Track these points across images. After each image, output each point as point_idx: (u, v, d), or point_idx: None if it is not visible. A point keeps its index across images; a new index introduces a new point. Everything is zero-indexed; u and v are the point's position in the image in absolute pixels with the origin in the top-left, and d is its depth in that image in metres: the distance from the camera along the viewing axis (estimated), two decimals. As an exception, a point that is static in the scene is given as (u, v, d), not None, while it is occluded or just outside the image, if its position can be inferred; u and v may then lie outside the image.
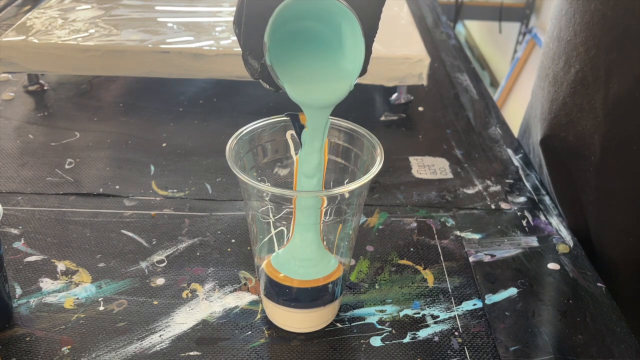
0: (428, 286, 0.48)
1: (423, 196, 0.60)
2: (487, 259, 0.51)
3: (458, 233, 0.55)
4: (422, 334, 0.44)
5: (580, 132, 0.56)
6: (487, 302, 0.47)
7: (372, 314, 0.46)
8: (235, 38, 0.77)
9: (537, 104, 0.64)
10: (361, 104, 0.77)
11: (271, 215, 0.40)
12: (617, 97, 0.51)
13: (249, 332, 0.44)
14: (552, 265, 0.51)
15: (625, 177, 0.53)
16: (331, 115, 0.42)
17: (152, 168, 0.62)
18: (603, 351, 0.43)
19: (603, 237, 0.56)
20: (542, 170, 0.63)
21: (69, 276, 0.48)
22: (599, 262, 0.55)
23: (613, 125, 0.53)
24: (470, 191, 0.61)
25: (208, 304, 0.46)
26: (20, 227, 0.53)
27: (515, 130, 0.74)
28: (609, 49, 0.51)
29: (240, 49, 0.36)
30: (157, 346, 0.42)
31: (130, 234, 0.53)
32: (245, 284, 0.48)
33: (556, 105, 0.58)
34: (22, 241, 0.51)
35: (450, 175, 0.63)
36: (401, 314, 0.46)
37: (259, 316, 0.45)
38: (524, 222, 0.56)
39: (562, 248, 0.53)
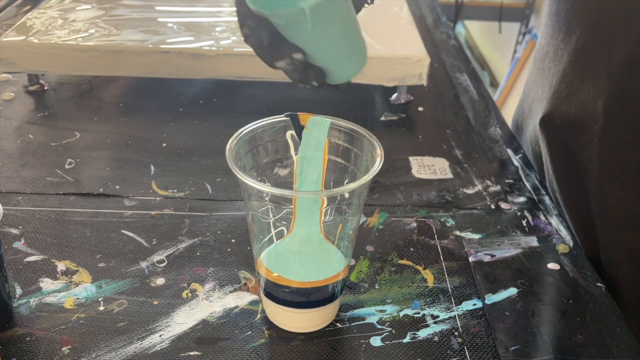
0: (428, 286, 0.49)
1: (423, 196, 0.60)
2: (487, 259, 0.51)
3: (458, 233, 0.55)
4: (422, 334, 0.44)
5: (582, 101, 0.54)
6: (487, 302, 0.47)
7: (372, 314, 0.46)
8: (235, 38, 0.77)
9: (535, 89, 0.63)
10: (361, 104, 0.77)
11: (271, 215, 0.40)
12: (620, 60, 0.50)
13: (249, 332, 0.44)
14: (552, 265, 0.51)
15: (629, 144, 0.52)
16: (331, 115, 0.42)
17: (152, 168, 0.62)
18: (603, 351, 0.43)
19: (606, 221, 0.54)
20: (541, 163, 0.62)
21: (69, 276, 0.48)
22: (600, 255, 0.54)
23: (617, 89, 0.51)
24: (470, 191, 0.61)
25: (208, 304, 0.46)
26: (20, 227, 0.53)
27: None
28: (611, 10, 0.50)
29: (241, 49, 0.36)
30: (157, 346, 0.42)
31: (130, 234, 0.53)
32: (245, 284, 0.48)
33: (556, 80, 0.57)
34: (22, 241, 0.51)
35: (450, 175, 0.63)
36: (401, 314, 0.46)
37: (259, 316, 0.45)
38: (524, 222, 0.56)
39: (562, 248, 0.53)
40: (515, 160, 0.66)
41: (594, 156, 0.54)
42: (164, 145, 0.67)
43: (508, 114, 0.78)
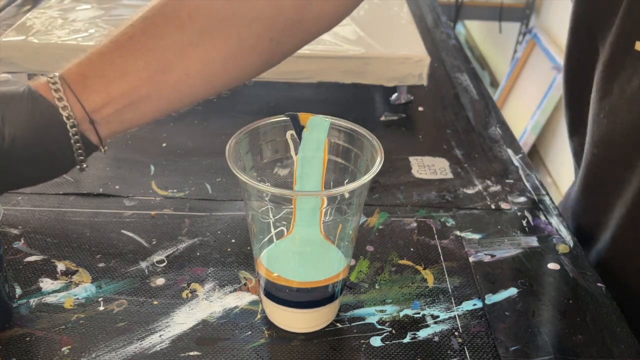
0: (428, 286, 0.48)
1: (423, 196, 0.60)
2: (487, 259, 0.51)
3: (458, 233, 0.55)
4: (422, 334, 0.44)
5: None
6: (487, 302, 0.47)
7: (372, 314, 0.46)
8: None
9: (589, 212, 0.58)
10: (361, 104, 0.77)
11: (271, 215, 0.40)
12: None
13: (249, 332, 0.44)
14: (552, 265, 0.51)
15: None
16: (331, 115, 0.42)
17: (152, 168, 0.62)
18: (603, 351, 0.43)
19: None
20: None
21: (69, 276, 0.48)
22: None
23: None
24: (470, 191, 0.61)
25: (208, 304, 0.46)
26: (20, 227, 0.53)
27: (515, 130, 0.74)
28: None
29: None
30: (157, 346, 0.42)
31: (130, 234, 0.53)
32: (245, 284, 0.48)
33: (622, 212, 0.52)
34: (22, 241, 0.51)
35: (450, 175, 0.63)
36: (401, 314, 0.46)
37: (259, 316, 0.45)
38: (524, 222, 0.56)
39: (562, 248, 0.53)
40: (515, 160, 0.66)
41: None
42: (164, 145, 0.67)
43: (508, 114, 0.78)
